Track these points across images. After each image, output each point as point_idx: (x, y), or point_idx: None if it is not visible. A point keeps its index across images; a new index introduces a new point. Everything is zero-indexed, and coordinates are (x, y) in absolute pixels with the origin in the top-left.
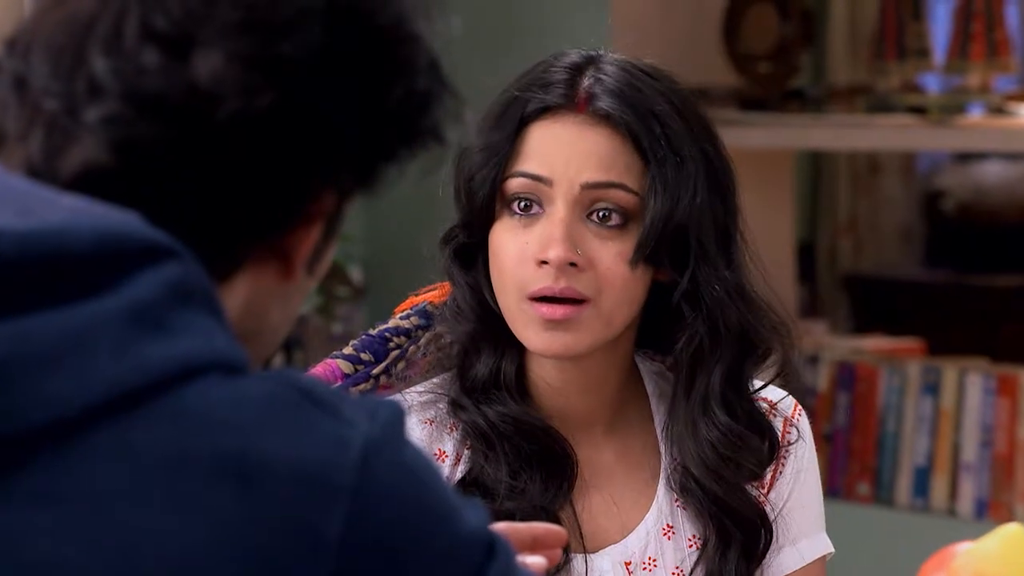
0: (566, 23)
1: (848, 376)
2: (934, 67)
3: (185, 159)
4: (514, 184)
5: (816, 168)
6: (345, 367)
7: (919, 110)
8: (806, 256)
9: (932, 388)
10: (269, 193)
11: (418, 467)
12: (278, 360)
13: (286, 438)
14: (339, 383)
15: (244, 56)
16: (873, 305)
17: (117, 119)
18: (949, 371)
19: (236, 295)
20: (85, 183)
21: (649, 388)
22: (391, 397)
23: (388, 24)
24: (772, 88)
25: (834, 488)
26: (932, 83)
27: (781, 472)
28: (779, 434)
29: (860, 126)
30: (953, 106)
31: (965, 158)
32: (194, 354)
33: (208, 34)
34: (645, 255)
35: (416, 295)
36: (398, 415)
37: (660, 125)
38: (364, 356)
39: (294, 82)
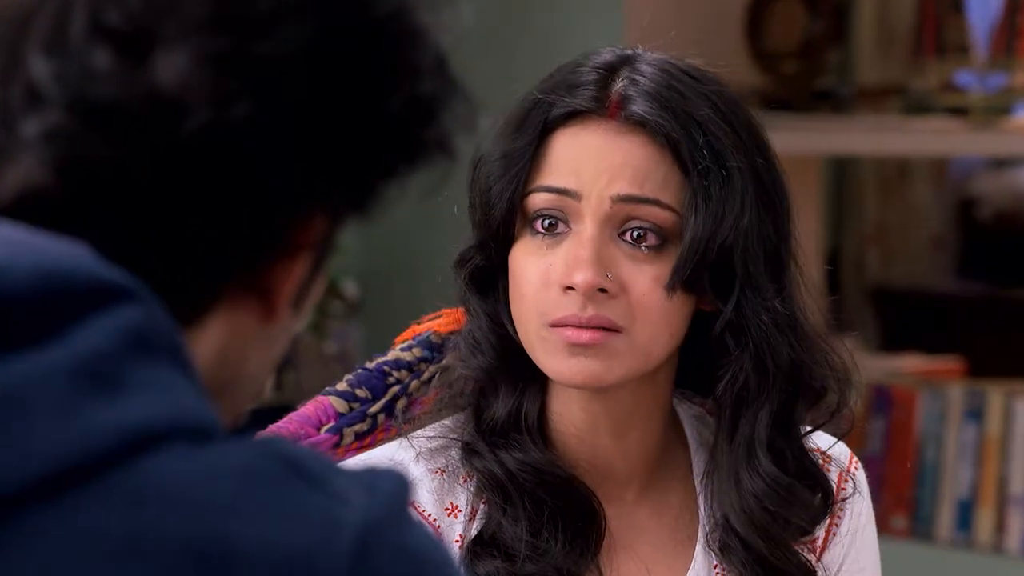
0: (579, 18)
1: (883, 400)
2: (976, 65)
3: (144, 180)
4: (537, 200)
5: (841, 172)
6: (339, 405)
7: (959, 111)
8: (828, 267)
9: (975, 413)
10: (246, 220)
11: (424, 553)
12: (267, 382)
13: (266, 519)
14: (332, 423)
15: (215, 57)
16: (902, 320)
17: (61, 133)
18: (994, 395)
19: (207, 341)
20: (23, 210)
21: (689, 435)
22: (395, 443)
23: (387, 17)
24: (798, 88)
25: None
26: (973, 82)
27: (836, 532)
28: (833, 487)
29: (895, 129)
30: (997, 107)
31: (1002, 162)
32: (154, 418)
33: (171, 31)
34: (683, 280)
35: (419, 323)
36: (401, 489)
37: (703, 133)
38: (360, 392)
39: (275, 88)
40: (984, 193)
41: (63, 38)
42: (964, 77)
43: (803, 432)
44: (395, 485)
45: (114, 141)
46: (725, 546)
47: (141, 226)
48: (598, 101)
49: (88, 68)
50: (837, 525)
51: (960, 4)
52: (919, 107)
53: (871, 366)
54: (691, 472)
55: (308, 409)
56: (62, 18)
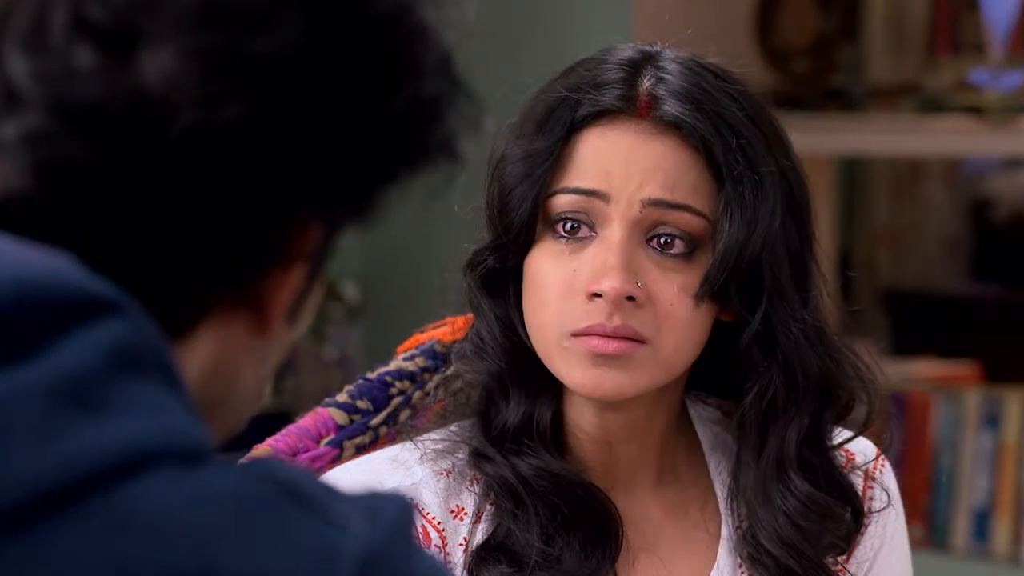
0: (587, 16)
1: (897, 406)
2: (991, 63)
3: (130, 185)
4: (561, 202)
5: (852, 172)
6: (339, 417)
7: (974, 110)
8: (841, 270)
9: (992, 420)
10: (237, 228)
11: None
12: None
13: (259, 548)
14: (332, 436)
15: (204, 54)
16: (915, 324)
17: (41, 135)
18: (1012, 401)
19: (197, 356)
20: (2, 217)
21: (703, 438)
22: (399, 444)
23: (387, 13)
24: (809, 87)
25: None
26: (988, 81)
27: (862, 535)
28: (861, 493)
29: (907, 128)
30: (1013, 106)
31: (1017, 163)
32: (141, 439)
33: (159, 27)
34: (712, 290)
35: (422, 332)
36: (404, 514)
37: (735, 136)
38: (361, 404)
39: (268, 87)
40: (999, 193)
41: (43, 35)
42: (979, 76)
43: (832, 445)
44: (398, 510)
45: (97, 144)
46: (754, 559)
47: (126, 234)
48: (626, 100)
49: (69, 67)
50: (866, 526)
51: (975, 1)
52: (933, 106)
53: (887, 371)
54: (707, 473)
55: (307, 421)
56: (42, 14)
